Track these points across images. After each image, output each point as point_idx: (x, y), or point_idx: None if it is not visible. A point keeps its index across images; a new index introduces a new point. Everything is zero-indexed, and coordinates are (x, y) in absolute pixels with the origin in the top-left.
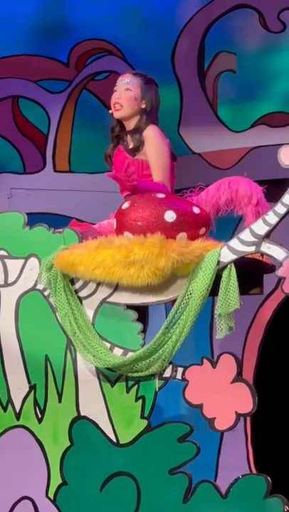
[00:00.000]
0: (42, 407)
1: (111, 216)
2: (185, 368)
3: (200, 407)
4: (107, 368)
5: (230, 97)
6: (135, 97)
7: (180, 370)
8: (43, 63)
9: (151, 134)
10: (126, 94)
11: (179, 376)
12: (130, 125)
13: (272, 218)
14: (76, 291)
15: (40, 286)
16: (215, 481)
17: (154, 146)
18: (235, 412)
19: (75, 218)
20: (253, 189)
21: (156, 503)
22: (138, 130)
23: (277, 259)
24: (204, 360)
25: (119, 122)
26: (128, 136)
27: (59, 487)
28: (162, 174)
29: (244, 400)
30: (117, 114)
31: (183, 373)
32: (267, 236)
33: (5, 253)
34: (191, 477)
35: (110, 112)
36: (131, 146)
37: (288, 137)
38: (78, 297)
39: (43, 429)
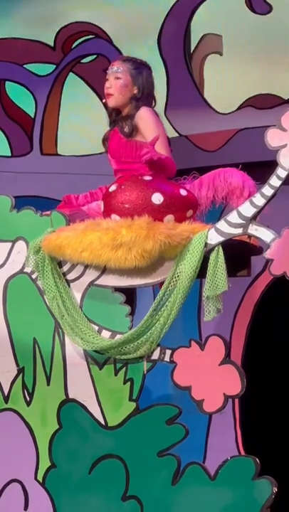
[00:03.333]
0: (30, 390)
1: (88, 194)
2: (173, 350)
3: (188, 389)
4: (95, 351)
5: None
6: (125, 84)
7: (168, 352)
8: (30, 46)
9: (144, 115)
10: (116, 82)
11: (167, 358)
12: (125, 111)
13: (259, 200)
14: (64, 274)
15: (27, 269)
16: (203, 462)
17: (148, 127)
18: (224, 394)
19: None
20: (246, 182)
21: (145, 485)
22: (129, 116)
23: (265, 241)
24: (192, 342)
25: (115, 108)
26: (122, 122)
27: (48, 470)
28: (165, 151)
29: (232, 382)
30: (109, 103)
31: (171, 355)
32: (254, 218)
33: None
34: (179, 459)
35: (104, 101)
36: (125, 131)
37: (275, 119)
38: (66, 280)
39: (32, 412)
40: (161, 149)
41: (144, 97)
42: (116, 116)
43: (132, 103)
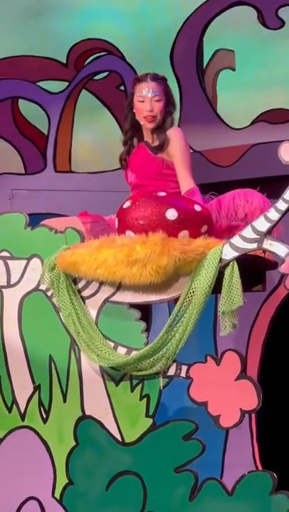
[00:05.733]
0: (47, 408)
1: None
2: (189, 366)
3: (205, 404)
4: (111, 367)
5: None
6: (165, 104)
7: (184, 368)
8: (42, 64)
9: (175, 135)
10: (157, 105)
11: (183, 374)
12: (157, 127)
13: (273, 215)
14: (79, 291)
15: (43, 287)
16: (221, 478)
17: (178, 148)
18: (240, 409)
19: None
20: (266, 204)
21: (162, 501)
22: (163, 129)
23: (280, 255)
24: (208, 357)
25: (133, 126)
26: (153, 135)
27: (65, 487)
28: (189, 174)
29: (249, 397)
30: (151, 125)
31: (187, 371)
32: (269, 233)
33: (7, 254)
34: (196, 475)
35: (142, 123)
36: (156, 144)
37: (288, 134)
38: (81, 297)
39: (48, 429)
40: (184, 173)
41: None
42: (133, 132)
43: (167, 119)
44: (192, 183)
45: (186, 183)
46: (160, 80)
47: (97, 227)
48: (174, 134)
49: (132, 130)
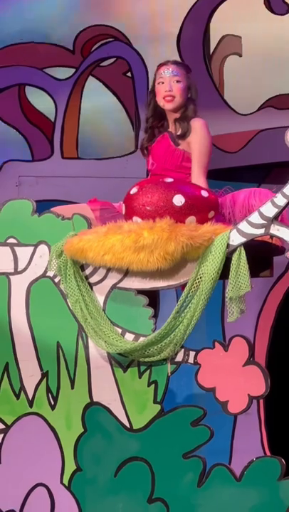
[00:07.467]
0: (55, 394)
1: None
2: (197, 352)
3: (213, 390)
4: (119, 354)
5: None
6: (185, 87)
7: (192, 354)
8: (49, 50)
9: (200, 128)
10: (177, 86)
11: (191, 360)
12: (176, 115)
13: (280, 200)
14: (86, 277)
15: (50, 273)
16: (229, 464)
17: (199, 143)
18: (248, 394)
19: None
20: None
21: (170, 487)
22: (186, 118)
23: (287, 241)
24: (216, 343)
25: (155, 113)
26: (176, 123)
27: (73, 473)
28: (203, 173)
29: (257, 383)
30: (169, 106)
31: (195, 357)
32: (276, 218)
33: (14, 241)
34: (205, 461)
35: (162, 104)
36: (178, 133)
37: None
38: (89, 283)
39: (56, 415)
40: (197, 169)
41: (197, 99)
42: (154, 121)
43: (190, 106)
44: (204, 184)
45: (197, 182)
46: (182, 64)
47: (107, 214)
48: (198, 127)
49: (153, 118)
